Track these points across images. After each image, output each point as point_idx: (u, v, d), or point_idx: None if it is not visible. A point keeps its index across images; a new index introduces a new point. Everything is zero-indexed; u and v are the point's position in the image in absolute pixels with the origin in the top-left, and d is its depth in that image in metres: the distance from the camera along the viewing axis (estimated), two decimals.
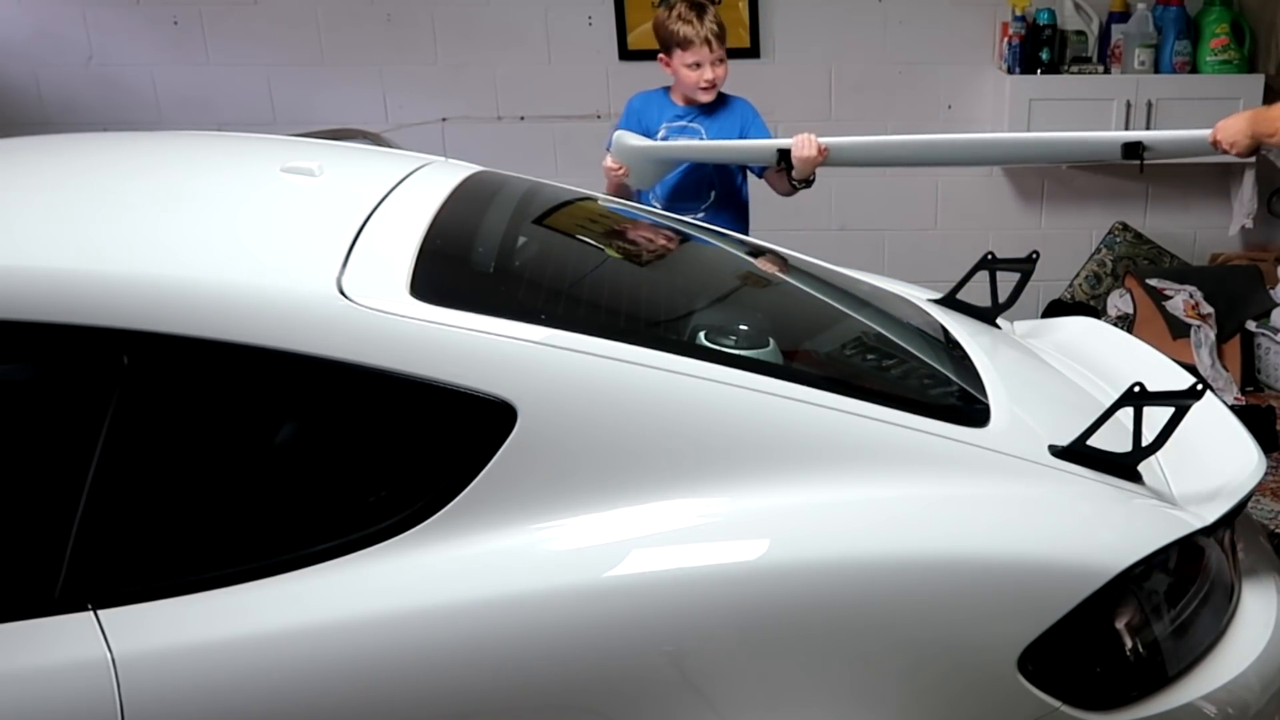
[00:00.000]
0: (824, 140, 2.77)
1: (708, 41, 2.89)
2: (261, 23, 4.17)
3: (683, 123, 3.00)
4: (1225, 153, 2.66)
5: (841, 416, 1.49)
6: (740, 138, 2.96)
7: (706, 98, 2.96)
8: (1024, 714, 1.41)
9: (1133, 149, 2.68)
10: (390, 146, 3.24)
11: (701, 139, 2.95)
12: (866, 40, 4.18)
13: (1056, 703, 1.41)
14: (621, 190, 2.93)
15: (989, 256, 2.19)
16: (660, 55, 2.98)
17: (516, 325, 1.43)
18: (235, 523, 1.35)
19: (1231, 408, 1.80)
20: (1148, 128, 3.92)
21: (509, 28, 4.18)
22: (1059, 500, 1.53)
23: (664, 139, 2.96)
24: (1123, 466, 1.56)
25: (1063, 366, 2.03)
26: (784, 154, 2.81)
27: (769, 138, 2.96)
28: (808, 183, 2.90)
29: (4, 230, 1.45)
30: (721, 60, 2.95)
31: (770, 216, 4.28)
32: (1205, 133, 2.66)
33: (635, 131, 2.97)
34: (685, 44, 2.89)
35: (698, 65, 2.91)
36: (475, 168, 2.10)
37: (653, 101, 3.05)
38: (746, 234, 2.77)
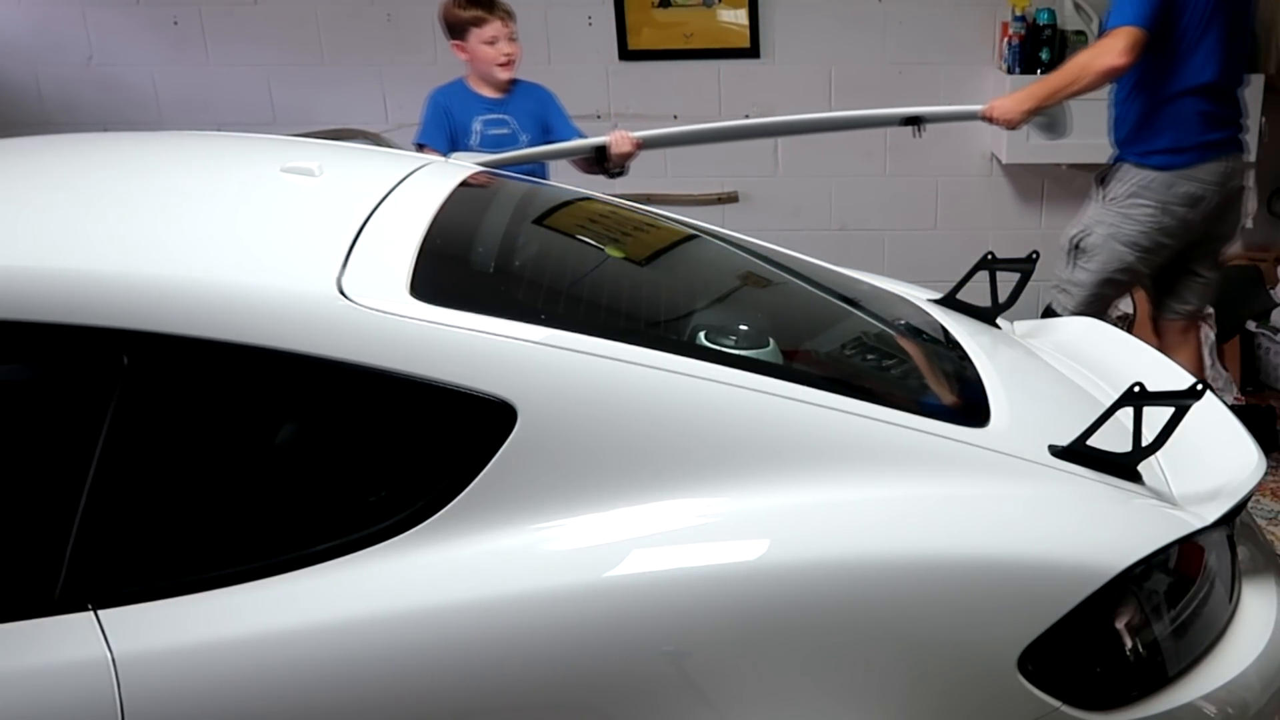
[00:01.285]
0: (635, 134, 3.05)
1: (501, 17, 3.03)
2: (261, 23, 4.17)
3: (494, 115, 3.12)
4: (996, 124, 3.03)
5: (841, 416, 1.49)
6: (543, 125, 3.15)
7: (505, 74, 3.09)
8: (1024, 714, 1.41)
9: (911, 120, 3.08)
10: (390, 146, 3.24)
11: (510, 128, 3.10)
12: (866, 40, 4.19)
13: (1056, 703, 1.41)
14: None
15: (989, 256, 2.19)
16: (453, 42, 3.10)
17: (516, 325, 1.43)
18: (235, 523, 1.35)
19: (1231, 408, 1.80)
20: None
21: None
22: (1059, 500, 1.53)
23: (480, 133, 3.09)
24: (1123, 466, 1.56)
25: (1063, 366, 2.03)
26: (600, 148, 3.07)
27: (568, 123, 3.19)
28: (622, 170, 3.14)
29: (4, 230, 1.45)
30: (515, 38, 3.08)
31: (770, 216, 4.31)
32: (978, 107, 3.05)
33: (447, 129, 3.09)
34: (479, 21, 3.03)
35: (494, 41, 3.03)
36: (475, 168, 2.10)
37: (457, 96, 3.15)
38: None
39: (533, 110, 3.15)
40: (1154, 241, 3.03)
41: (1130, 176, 3.01)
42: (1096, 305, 3.15)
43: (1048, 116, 3.04)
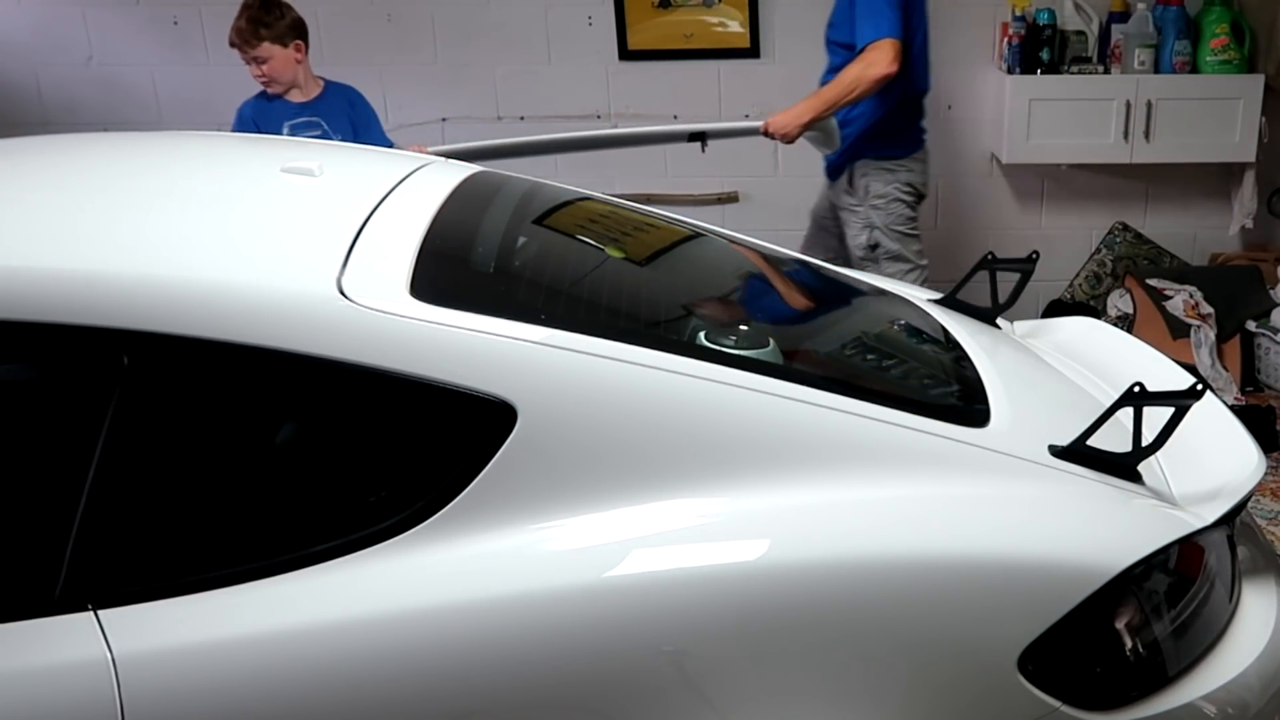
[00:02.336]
0: (431, 149, 3.06)
1: (241, 45, 3.22)
2: None
3: (304, 119, 3.25)
4: (774, 138, 3.27)
5: (841, 416, 1.49)
6: (353, 125, 3.28)
7: (276, 90, 3.25)
8: (1024, 714, 1.41)
9: (697, 136, 3.34)
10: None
11: (322, 129, 3.24)
12: None
13: (1056, 703, 1.41)
14: None
15: (989, 256, 2.19)
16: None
17: (516, 325, 1.43)
18: (235, 523, 1.35)
19: (1231, 408, 1.80)
20: (1147, 128, 3.95)
21: (509, 28, 4.19)
22: (1059, 500, 1.53)
23: (290, 135, 3.20)
24: (1123, 466, 1.56)
25: (1063, 366, 2.03)
26: None
27: (376, 126, 3.37)
28: None
29: (5, 230, 1.45)
30: (258, 59, 3.22)
31: (770, 216, 4.30)
32: (758, 123, 3.30)
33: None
34: (233, 45, 3.24)
35: (254, 63, 3.21)
36: (475, 168, 2.10)
37: (265, 105, 3.29)
38: None
39: (343, 110, 3.29)
40: (914, 218, 3.48)
41: (879, 172, 3.38)
42: (925, 271, 3.47)
43: (821, 130, 3.29)
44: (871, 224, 3.43)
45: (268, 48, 3.22)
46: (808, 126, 3.24)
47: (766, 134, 3.27)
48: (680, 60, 4.20)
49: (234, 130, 3.28)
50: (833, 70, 3.34)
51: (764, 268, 2.17)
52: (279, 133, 3.19)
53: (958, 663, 1.42)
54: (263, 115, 3.27)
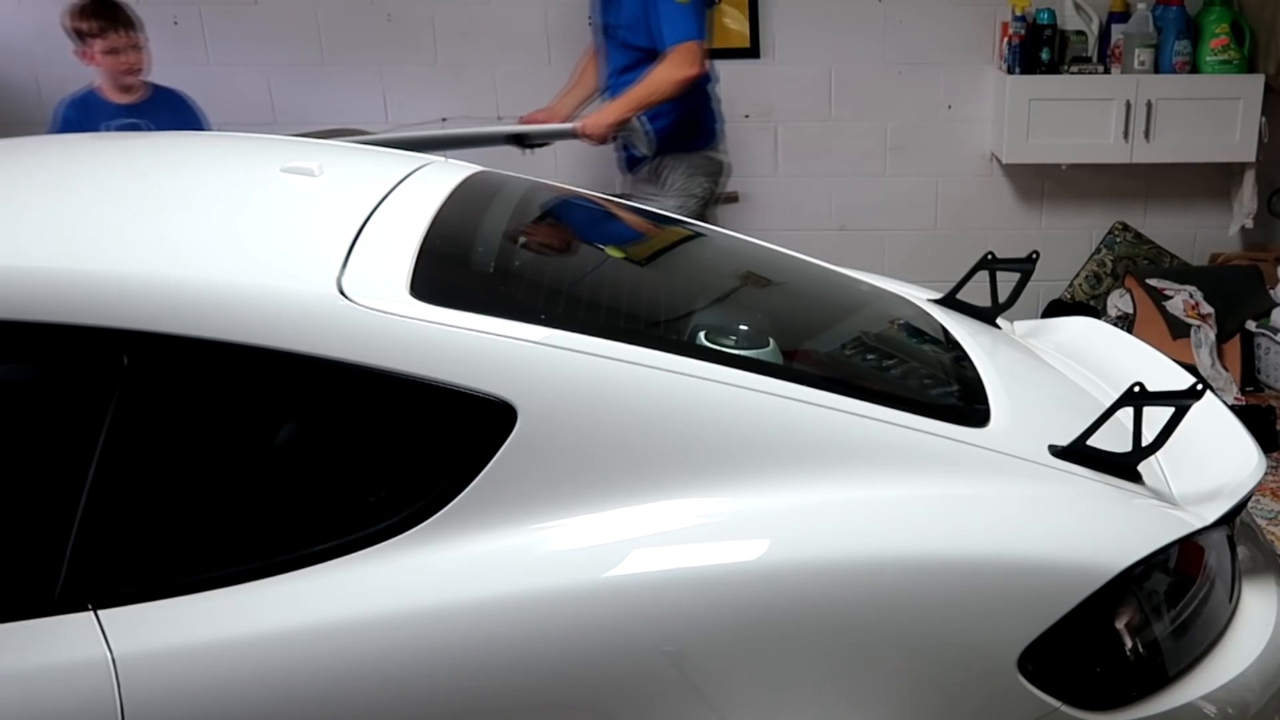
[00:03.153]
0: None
1: (122, 27, 3.12)
2: (261, 23, 4.17)
3: (128, 120, 3.20)
4: (588, 140, 3.33)
5: (841, 416, 1.49)
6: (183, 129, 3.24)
7: (132, 80, 3.20)
8: (1024, 714, 1.41)
9: (516, 138, 3.40)
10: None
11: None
12: (866, 40, 4.19)
13: (1056, 703, 1.41)
14: None
15: (989, 256, 2.19)
16: (78, 50, 3.16)
17: (516, 325, 1.43)
18: (235, 523, 1.35)
19: (1231, 408, 1.80)
20: (1147, 128, 3.96)
21: (509, 28, 4.18)
22: (1059, 500, 1.53)
23: None
24: (1123, 466, 1.56)
25: (1063, 366, 2.03)
26: None
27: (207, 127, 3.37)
28: None
29: (4, 230, 1.45)
30: (139, 46, 3.17)
31: (770, 216, 4.31)
32: (573, 125, 3.37)
33: None
34: (101, 31, 3.12)
35: (116, 51, 3.12)
36: (475, 168, 2.10)
37: (86, 105, 3.21)
38: None
39: (170, 117, 3.24)
40: (708, 204, 3.62)
41: (682, 164, 3.48)
42: None
43: (631, 131, 3.35)
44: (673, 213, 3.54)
45: (134, 35, 3.16)
46: (616, 127, 3.31)
47: (581, 136, 3.34)
48: None
49: (50, 131, 3.18)
50: (621, 69, 3.42)
51: (764, 267, 2.17)
52: (99, 131, 3.11)
53: (957, 663, 1.42)
54: (87, 115, 3.19)
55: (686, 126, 3.45)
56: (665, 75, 3.26)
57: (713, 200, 3.64)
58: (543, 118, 3.54)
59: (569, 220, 2.13)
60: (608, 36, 3.52)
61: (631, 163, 3.59)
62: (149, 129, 3.17)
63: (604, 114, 3.35)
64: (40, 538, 1.29)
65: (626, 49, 3.42)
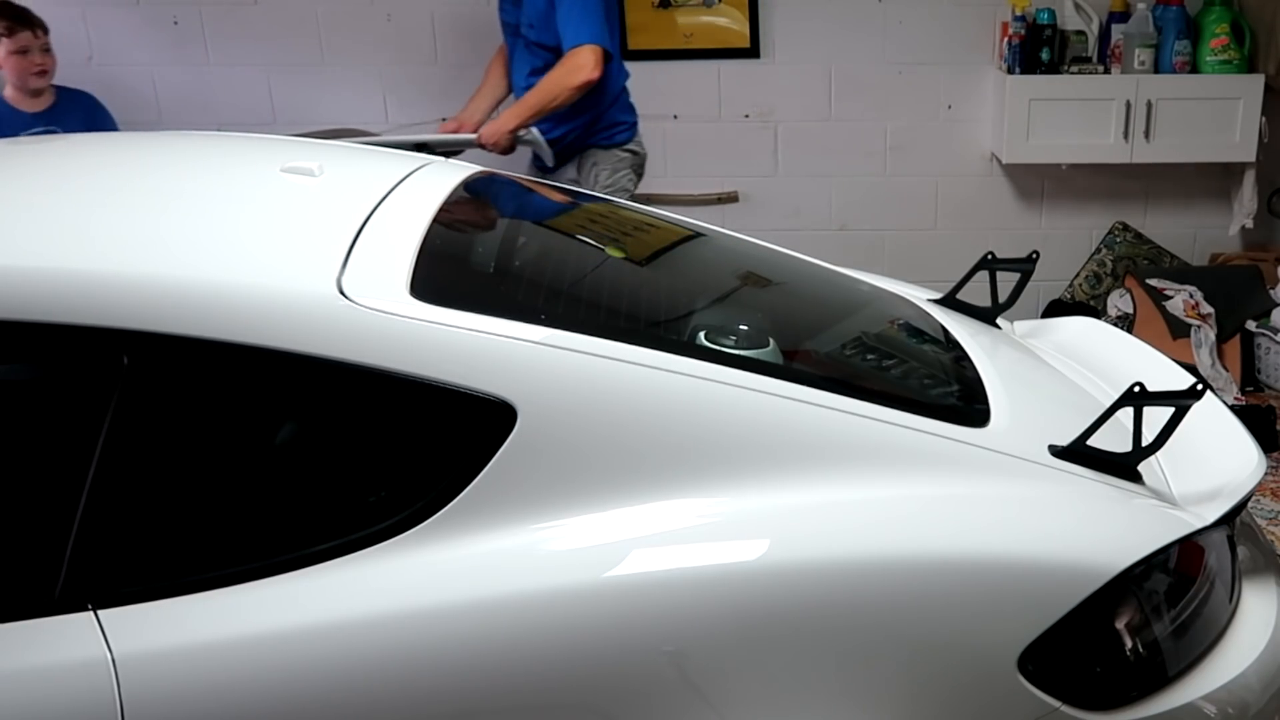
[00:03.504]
0: None
1: (32, 28, 3.13)
2: (261, 23, 4.17)
3: (42, 129, 3.20)
4: (489, 148, 3.29)
5: (841, 416, 1.49)
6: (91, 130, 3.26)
7: (41, 83, 3.22)
8: (1024, 714, 1.41)
9: (421, 147, 3.20)
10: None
11: None
12: (866, 40, 4.18)
13: (1056, 703, 1.41)
14: None
15: (989, 256, 2.19)
16: None
17: (516, 325, 1.43)
18: (235, 523, 1.35)
19: (1231, 408, 1.80)
20: (1147, 128, 3.96)
21: None
22: (1059, 500, 1.53)
23: None
24: (1123, 466, 1.56)
25: (1063, 366, 2.03)
26: None
27: (117, 128, 3.39)
28: None
29: (4, 230, 1.45)
30: (49, 49, 3.18)
31: (770, 216, 4.31)
32: (473, 135, 3.34)
33: None
34: (10, 31, 3.13)
35: (26, 51, 3.14)
36: (475, 168, 2.10)
37: None
38: None
39: (81, 119, 3.25)
40: (634, 197, 3.54)
41: (609, 159, 3.46)
42: None
43: (531, 141, 3.36)
44: None
45: (44, 37, 3.17)
46: (515, 133, 3.29)
47: (482, 145, 3.31)
48: (680, 60, 4.19)
49: None
50: (531, 72, 3.37)
51: (764, 267, 2.17)
52: None
53: (957, 663, 1.42)
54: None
55: (605, 125, 3.42)
56: (560, 80, 3.20)
57: (636, 192, 3.63)
58: (453, 127, 3.47)
59: (569, 220, 2.13)
60: (516, 36, 3.43)
61: (542, 168, 3.54)
62: (62, 134, 3.16)
63: (502, 122, 3.31)
64: (40, 538, 1.29)
65: (536, 49, 3.35)
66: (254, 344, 1.33)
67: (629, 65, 4.17)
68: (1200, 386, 1.54)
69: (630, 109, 3.53)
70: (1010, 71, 4.03)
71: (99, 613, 1.26)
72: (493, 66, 3.65)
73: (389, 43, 4.19)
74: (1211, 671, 1.51)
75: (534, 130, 3.31)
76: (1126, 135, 3.97)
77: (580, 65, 3.18)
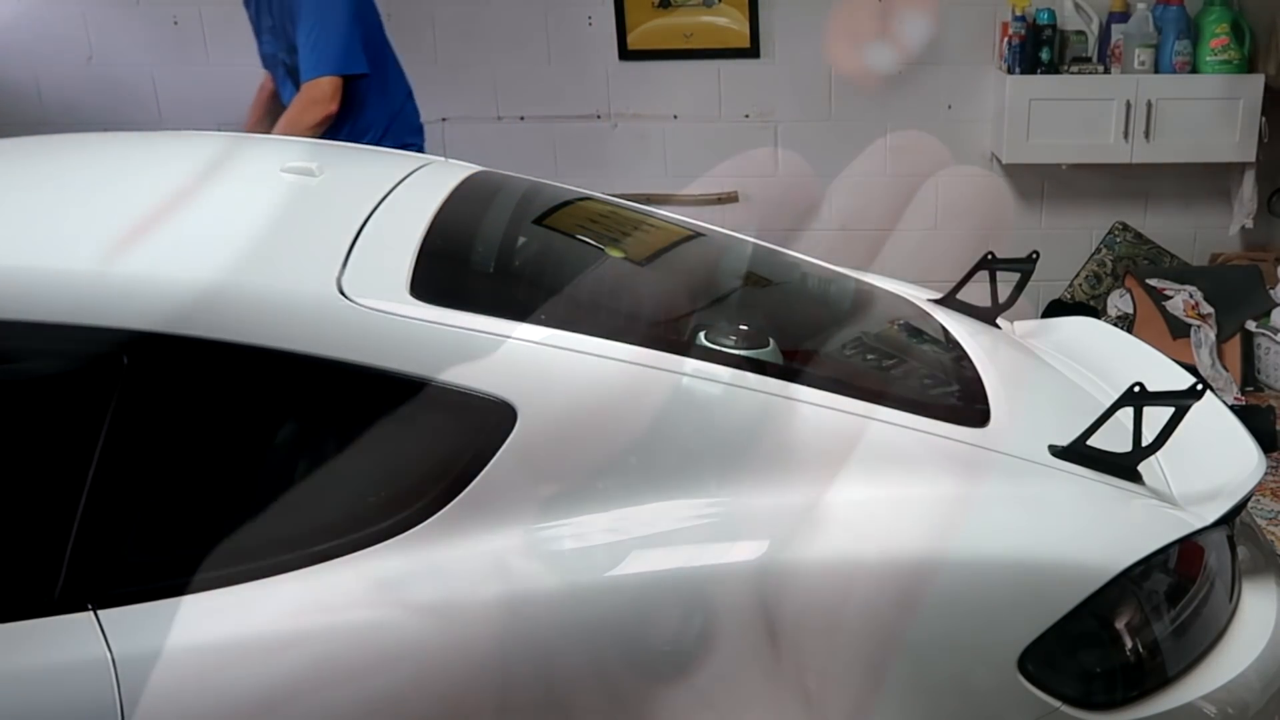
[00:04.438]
0: None
1: None
2: None
3: None
4: None
5: (842, 417, 1.49)
6: None
7: None
8: (1024, 714, 1.41)
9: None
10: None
11: None
12: (866, 40, 4.18)
13: (1056, 703, 1.41)
14: None
15: (989, 256, 2.19)
16: None
17: (516, 325, 1.43)
18: (235, 523, 1.35)
19: (1231, 408, 1.80)
20: (1147, 128, 3.95)
21: (509, 28, 4.19)
22: (1058, 500, 1.53)
23: None
24: (1123, 466, 1.56)
25: (1063, 366, 2.03)
26: None
27: None
28: None
29: (4, 230, 1.45)
30: None
31: (770, 216, 4.30)
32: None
33: None
34: None
35: None
36: (475, 168, 2.10)
37: None
38: None
39: None
40: None
41: None
42: None
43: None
44: None
45: None
46: None
47: None
48: (680, 60, 4.20)
49: None
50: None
51: (763, 268, 2.17)
52: None
53: (957, 663, 1.42)
54: None
55: (404, 129, 3.23)
56: (294, 120, 2.93)
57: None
58: None
59: (569, 220, 2.13)
60: (279, 66, 3.17)
61: None
62: None
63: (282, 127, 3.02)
64: (40, 538, 1.29)
65: (296, 78, 3.06)
66: (254, 344, 1.33)
67: (629, 65, 4.20)
68: (1200, 386, 1.54)
69: (417, 130, 3.30)
70: (1010, 71, 4.03)
71: (99, 613, 1.26)
72: (257, 100, 3.40)
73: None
74: (1211, 671, 1.51)
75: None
76: (1126, 135, 3.97)
77: (314, 100, 2.93)
